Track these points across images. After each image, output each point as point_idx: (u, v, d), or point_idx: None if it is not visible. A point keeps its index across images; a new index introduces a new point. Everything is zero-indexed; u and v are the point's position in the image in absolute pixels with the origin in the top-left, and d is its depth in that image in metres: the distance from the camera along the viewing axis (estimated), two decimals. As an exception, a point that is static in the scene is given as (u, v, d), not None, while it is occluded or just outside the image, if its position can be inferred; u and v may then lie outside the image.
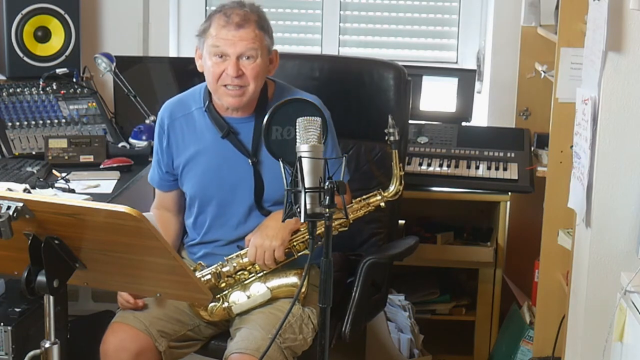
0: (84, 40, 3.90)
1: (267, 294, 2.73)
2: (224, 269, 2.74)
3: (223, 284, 2.74)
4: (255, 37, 2.68)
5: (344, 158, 2.26)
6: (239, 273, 2.74)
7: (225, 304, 2.74)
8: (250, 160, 2.76)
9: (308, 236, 2.20)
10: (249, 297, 2.74)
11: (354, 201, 2.79)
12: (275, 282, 2.73)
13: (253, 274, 2.74)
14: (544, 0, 3.71)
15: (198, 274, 2.73)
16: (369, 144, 3.20)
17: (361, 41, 4.21)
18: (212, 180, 2.80)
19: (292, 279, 2.73)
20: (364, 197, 2.80)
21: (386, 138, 2.71)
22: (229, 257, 2.75)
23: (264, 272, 2.74)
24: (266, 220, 2.75)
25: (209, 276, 2.74)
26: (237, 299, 2.74)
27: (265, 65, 2.73)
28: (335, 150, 2.83)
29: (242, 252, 2.74)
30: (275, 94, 2.82)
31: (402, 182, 2.77)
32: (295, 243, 2.72)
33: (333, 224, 2.68)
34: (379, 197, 2.79)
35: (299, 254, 2.72)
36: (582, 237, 2.68)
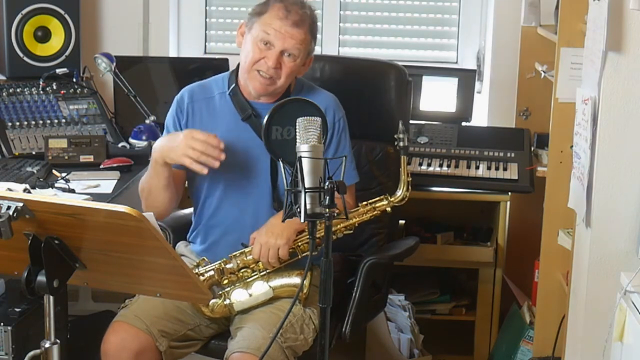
0: (84, 40, 3.90)
1: (269, 293, 2.73)
2: (228, 266, 2.74)
3: (225, 281, 2.75)
4: (304, 40, 2.74)
5: (344, 158, 2.26)
6: (242, 270, 2.75)
7: (227, 301, 2.74)
8: None
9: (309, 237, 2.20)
10: (250, 295, 2.74)
11: (360, 205, 2.80)
12: (278, 281, 2.73)
13: (256, 272, 2.75)
14: (544, 0, 3.71)
15: (201, 269, 2.74)
16: (370, 145, 3.20)
17: (361, 41, 4.21)
18: (225, 161, 2.81)
19: (294, 279, 2.72)
20: (371, 201, 2.80)
21: (395, 143, 2.72)
22: (233, 254, 2.75)
23: (267, 270, 2.74)
24: (272, 218, 2.75)
25: (212, 272, 2.74)
26: (239, 296, 2.74)
27: (300, 66, 2.79)
28: (350, 150, 2.87)
29: (247, 249, 2.75)
30: (296, 88, 2.87)
31: (410, 187, 2.77)
32: (300, 243, 2.72)
33: (338, 227, 2.71)
34: (385, 202, 2.79)
35: (303, 254, 2.72)
36: (582, 237, 2.68)
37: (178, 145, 2.65)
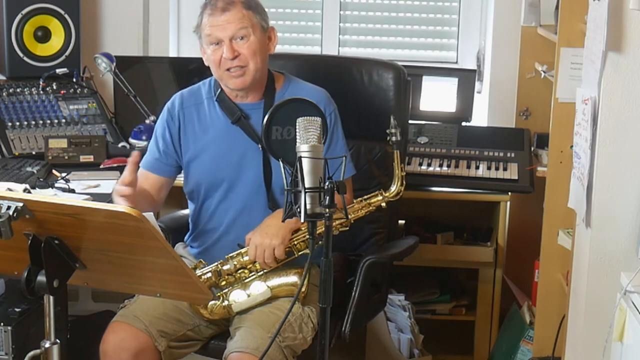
0: (84, 40, 3.90)
1: (267, 293, 2.73)
2: (225, 267, 2.75)
3: (223, 282, 2.75)
4: (243, 17, 2.74)
5: (344, 158, 2.26)
6: (239, 271, 2.75)
7: (225, 303, 2.74)
8: (259, 146, 2.78)
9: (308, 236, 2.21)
10: (249, 296, 2.74)
11: (355, 201, 2.80)
12: (276, 281, 2.73)
13: (253, 273, 2.75)
14: (544, 0, 3.71)
15: (199, 272, 2.74)
16: (369, 144, 3.20)
17: (361, 41, 4.21)
18: (220, 165, 2.83)
19: (292, 278, 2.73)
20: (365, 197, 2.80)
21: (388, 138, 2.72)
22: (230, 255, 2.76)
23: (265, 270, 2.74)
24: (267, 219, 2.75)
25: (209, 274, 2.74)
26: (237, 297, 2.74)
27: (262, 43, 2.78)
28: (344, 143, 2.87)
29: (243, 250, 2.75)
30: (284, 86, 2.87)
31: (404, 182, 2.77)
32: (295, 242, 2.72)
33: (334, 224, 2.70)
34: (380, 198, 2.79)
35: (300, 253, 2.73)
36: (582, 237, 2.68)
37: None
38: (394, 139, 2.71)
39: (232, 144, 2.83)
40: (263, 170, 2.80)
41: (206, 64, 2.83)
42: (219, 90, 2.84)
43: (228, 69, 2.75)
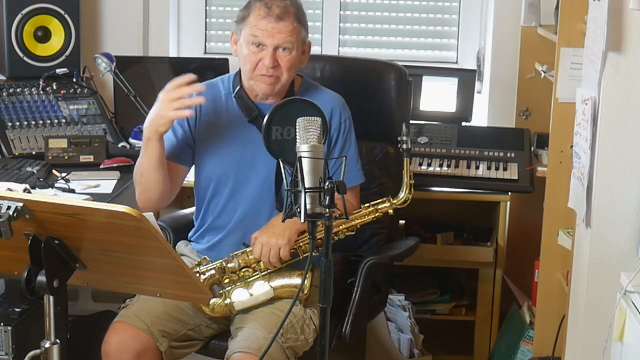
0: (84, 40, 3.90)
1: (269, 293, 2.73)
2: (229, 265, 2.74)
3: (227, 280, 2.75)
4: (293, 30, 2.72)
5: (344, 158, 2.26)
6: (243, 270, 2.75)
7: (228, 301, 2.74)
8: None
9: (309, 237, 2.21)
10: (251, 295, 2.74)
11: (362, 206, 2.80)
12: (279, 281, 2.73)
13: (257, 272, 2.75)
14: (544, 0, 3.71)
15: (202, 268, 2.74)
16: (370, 145, 3.20)
17: (361, 41, 4.21)
18: (232, 162, 2.82)
19: (295, 280, 2.72)
20: (373, 202, 2.80)
21: (398, 146, 2.72)
22: (235, 253, 2.76)
23: (268, 270, 2.74)
24: (274, 218, 2.75)
25: (213, 271, 2.74)
26: (240, 296, 2.74)
27: (299, 57, 2.78)
28: (356, 151, 2.87)
29: (249, 249, 2.75)
30: (302, 88, 2.87)
31: (412, 190, 2.78)
32: (301, 244, 2.72)
33: (340, 229, 2.71)
34: (387, 204, 2.79)
35: (305, 254, 2.72)
36: (582, 237, 2.68)
37: (161, 108, 2.67)
38: (405, 146, 2.71)
39: (246, 142, 2.82)
40: (276, 170, 2.79)
41: (235, 54, 2.82)
42: (238, 87, 2.83)
43: (262, 74, 2.74)
